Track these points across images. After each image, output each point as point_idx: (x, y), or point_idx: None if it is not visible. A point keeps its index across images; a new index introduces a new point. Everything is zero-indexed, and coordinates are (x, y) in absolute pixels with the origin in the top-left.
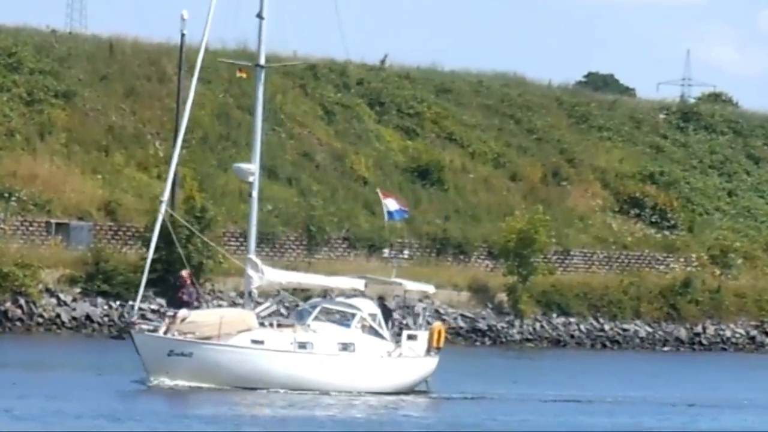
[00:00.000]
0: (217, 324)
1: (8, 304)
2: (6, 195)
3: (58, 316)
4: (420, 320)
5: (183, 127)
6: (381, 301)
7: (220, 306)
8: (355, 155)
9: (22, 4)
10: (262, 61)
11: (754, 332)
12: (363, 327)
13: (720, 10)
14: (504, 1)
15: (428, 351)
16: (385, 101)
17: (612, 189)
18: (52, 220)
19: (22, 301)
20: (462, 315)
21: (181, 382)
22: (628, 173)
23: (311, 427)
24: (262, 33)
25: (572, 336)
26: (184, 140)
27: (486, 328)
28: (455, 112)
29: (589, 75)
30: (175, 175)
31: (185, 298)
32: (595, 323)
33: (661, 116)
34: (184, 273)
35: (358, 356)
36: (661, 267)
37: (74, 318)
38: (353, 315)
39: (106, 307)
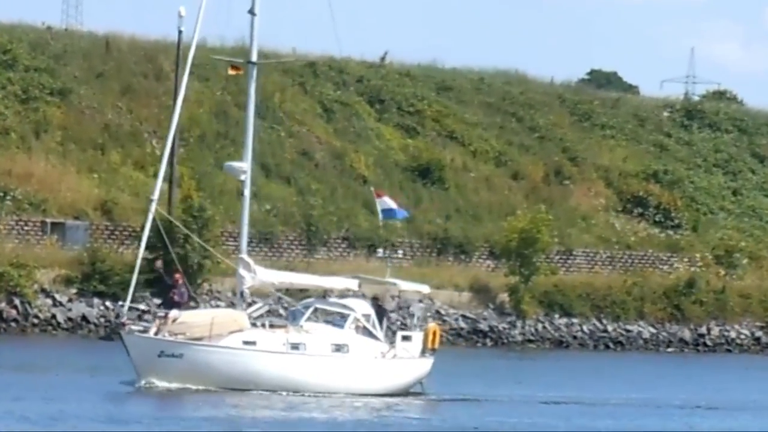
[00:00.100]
0: (208, 325)
1: (3, 305)
2: (1, 194)
3: (54, 316)
4: (415, 321)
5: (174, 125)
6: (375, 301)
7: (218, 306)
8: (354, 154)
9: (18, 1)
10: (254, 58)
11: (759, 333)
12: (357, 328)
13: (724, 7)
14: None
15: (423, 352)
16: (385, 99)
17: (615, 188)
18: (48, 220)
19: (17, 302)
20: (463, 316)
21: (172, 384)
22: (632, 172)
23: (304, 429)
24: (254, 29)
25: (575, 337)
26: (181, 139)
27: (487, 329)
28: (456, 110)
29: (592, 72)
30: (172, 174)
31: (176, 298)
32: (598, 324)
33: (665, 114)
34: (177, 275)
35: (352, 357)
36: (665, 267)
37: (70, 319)
38: (347, 315)
39: (102, 307)
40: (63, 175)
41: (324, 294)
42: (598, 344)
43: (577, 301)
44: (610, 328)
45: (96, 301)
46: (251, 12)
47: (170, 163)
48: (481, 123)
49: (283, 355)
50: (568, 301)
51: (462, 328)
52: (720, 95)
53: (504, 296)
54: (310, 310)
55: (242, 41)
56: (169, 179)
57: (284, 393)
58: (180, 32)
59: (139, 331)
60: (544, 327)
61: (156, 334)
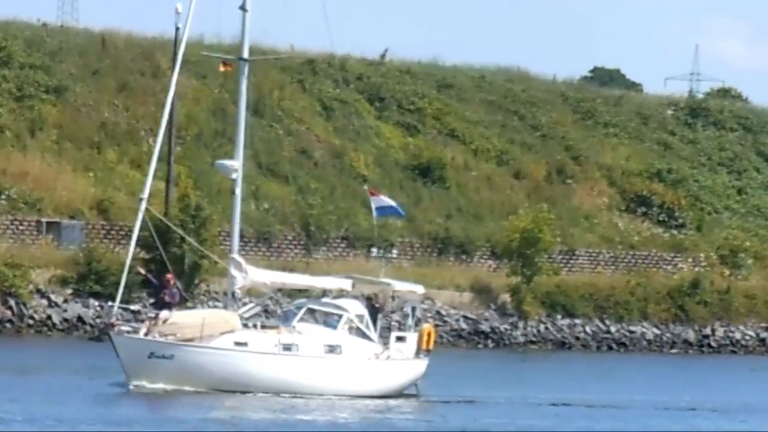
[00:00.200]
0: (199, 325)
1: None
2: None
3: (49, 317)
4: (409, 321)
5: (164, 124)
6: (369, 301)
7: (215, 307)
8: (354, 152)
9: None
10: (246, 54)
11: (764, 334)
12: (350, 328)
13: (729, 3)
14: None
15: (417, 353)
16: (385, 97)
17: (618, 187)
18: (43, 219)
19: (12, 303)
20: (464, 316)
21: (162, 386)
22: (635, 171)
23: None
24: (246, 26)
25: (577, 338)
26: (178, 137)
27: (489, 330)
28: (457, 107)
29: (595, 70)
30: (169, 172)
31: (167, 298)
32: (601, 325)
33: (669, 112)
34: (168, 275)
35: (345, 359)
36: (669, 267)
37: (65, 319)
38: (340, 316)
39: (98, 308)
40: (58, 173)
41: (324, 293)
42: (601, 345)
43: (580, 301)
44: (613, 329)
45: (92, 301)
46: (242, 8)
47: (167, 162)
48: (482, 121)
49: (275, 356)
50: (571, 301)
51: (463, 329)
52: (724, 93)
53: (506, 297)
54: (303, 310)
55: (239, 38)
56: (166, 178)
57: (276, 395)
58: (177, 29)
59: (129, 332)
60: (547, 328)
61: (146, 334)
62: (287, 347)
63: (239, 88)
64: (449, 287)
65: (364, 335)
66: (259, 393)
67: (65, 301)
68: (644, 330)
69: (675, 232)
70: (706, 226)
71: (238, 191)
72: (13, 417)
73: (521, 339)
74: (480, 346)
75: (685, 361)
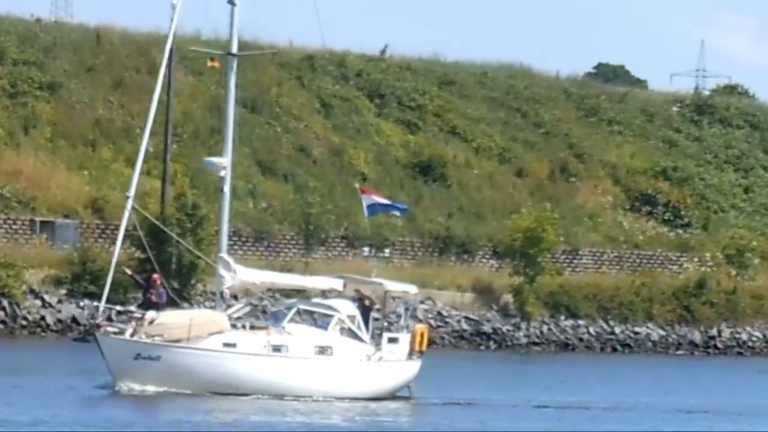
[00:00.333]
0: (186, 326)
1: None
2: None
3: (43, 318)
4: (402, 322)
5: (150, 121)
6: (361, 301)
7: (212, 308)
8: (353, 150)
9: None
10: (234, 50)
11: None
12: (341, 329)
13: None
14: None
15: (410, 354)
16: (386, 93)
17: (623, 185)
18: (37, 218)
19: (5, 303)
20: (466, 317)
21: (149, 388)
22: (640, 169)
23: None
24: (234, 20)
25: (581, 339)
26: (174, 134)
27: (491, 331)
28: (459, 104)
29: (599, 66)
30: (165, 171)
31: (154, 298)
32: (605, 326)
33: (674, 109)
34: (155, 275)
35: (336, 360)
36: (675, 267)
37: (60, 320)
38: (331, 317)
39: (99, 309)
40: (52, 172)
41: (323, 294)
42: (605, 347)
43: (584, 302)
44: (617, 330)
45: (86, 302)
46: (230, 2)
47: (163, 160)
48: (484, 118)
49: (264, 357)
50: (574, 302)
51: (465, 331)
52: (731, 89)
53: (508, 297)
54: (293, 311)
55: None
56: (162, 176)
57: (266, 397)
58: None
59: (115, 333)
60: (550, 329)
61: (132, 335)
62: (277, 348)
63: (228, 83)
64: (450, 288)
65: (355, 336)
66: (248, 395)
67: (59, 301)
68: (649, 331)
69: (680, 231)
70: (712, 225)
71: (226, 189)
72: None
73: (524, 340)
74: (482, 347)
75: (690, 362)
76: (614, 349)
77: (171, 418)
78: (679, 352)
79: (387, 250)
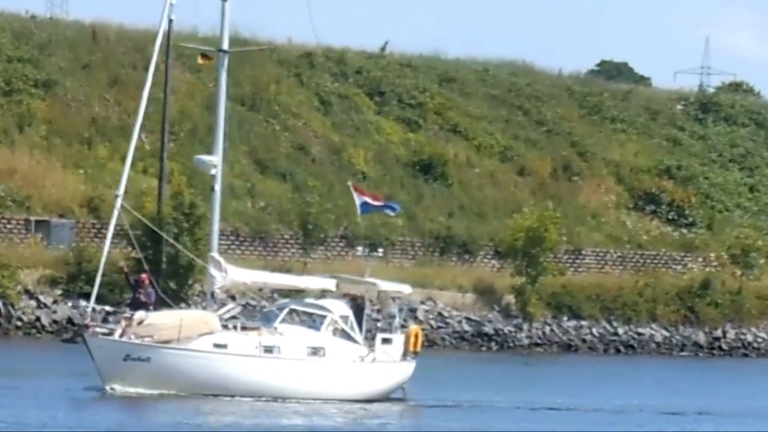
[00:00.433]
0: (176, 327)
1: None
2: None
3: (38, 319)
4: (396, 322)
5: (140, 119)
6: (354, 301)
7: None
8: (353, 148)
9: None
10: (225, 46)
11: None
12: (334, 330)
13: None
14: None
15: (404, 355)
16: (386, 91)
17: (626, 184)
18: (32, 218)
19: None
20: (467, 318)
21: (138, 389)
22: (644, 167)
23: None
24: (225, 16)
25: (584, 340)
26: (171, 132)
27: (492, 332)
28: (460, 102)
29: (602, 63)
30: (162, 169)
31: (142, 298)
32: (608, 327)
33: (679, 107)
34: (144, 275)
35: (329, 361)
36: (679, 267)
37: (55, 321)
38: (323, 317)
39: (88, 309)
40: (48, 170)
41: (323, 294)
42: (609, 348)
43: (587, 302)
44: (621, 331)
45: (82, 303)
46: None
47: (160, 159)
48: (485, 116)
49: (255, 358)
50: (577, 302)
51: (466, 331)
52: (736, 87)
53: (510, 298)
54: (285, 311)
55: (233, 29)
56: (159, 175)
57: (257, 398)
58: (170, 21)
59: (104, 334)
60: (552, 330)
61: (121, 336)
62: (269, 349)
63: (219, 80)
64: (451, 288)
65: (348, 337)
66: (239, 397)
67: (55, 302)
68: (653, 332)
69: (685, 230)
70: (716, 225)
71: (217, 187)
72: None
73: (526, 341)
74: (483, 348)
75: (695, 364)
76: (617, 351)
77: (161, 420)
78: (684, 354)
79: (381, 250)
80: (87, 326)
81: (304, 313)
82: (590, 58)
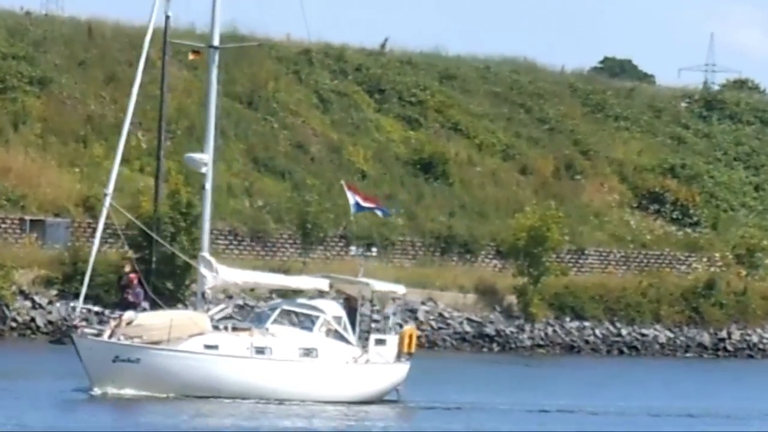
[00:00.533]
0: (166, 327)
1: None
2: None
3: (33, 320)
4: (390, 323)
5: (129, 117)
6: (347, 302)
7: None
8: (352, 147)
9: None
10: (216, 42)
11: None
12: (327, 331)
13: None
14: None
15: (398, 357)
16: (386, 88)
17: (630, 183)
18: (27, 217)
19: None
20: (468, 319)
21: (128, 391)
22: (647, 166)
23: None
24: (216, 11)
25: (587, 341)
26: (168, 131)
27: (494, 333)
28: (461, 100)
29: (605, 60)
30: (159, 168)
31: (131, 298)
32: (611, 328)
33: (683, 105)
34: (132, 273)
35: (321, 362)
36: (683, 267)
37: (50, 322)
38: (316, 317)
39: (84, 310)
40: (43, 169)
41: (321, 294)
42: (612, 349)
43: (590, 303)
44: (624, 332)
45: (74, 303)
46: None
47: (156, 157)
48: (487, 114)
49: (247, 360)
50: (580, 303)
51: (467, 332)
52: (741, 84)
53: (511, 298)
54: (277, 311)
55: (233, 26)
56: (156, 174)
57: (248, 400)
58: (167, 17)
59: (93, 335)
60: (555, 331)
61: (110, 337)
62: (260, 350)
63: (209, 76)
64: (452, 288)
65: (341, 338)
66: (230, 398)
67: (50, 302)
68: (657, 333)
69: (689, 230)
70: (721, 224)
71: (208, 186)
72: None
73: (528, 342)
74: (485, 349)
75: (699, 365)
76: (621, 352)
77: (150, 422)
78: (688, 355)
79: (375, 249)
80: (75, 327)
81: (297, 313)
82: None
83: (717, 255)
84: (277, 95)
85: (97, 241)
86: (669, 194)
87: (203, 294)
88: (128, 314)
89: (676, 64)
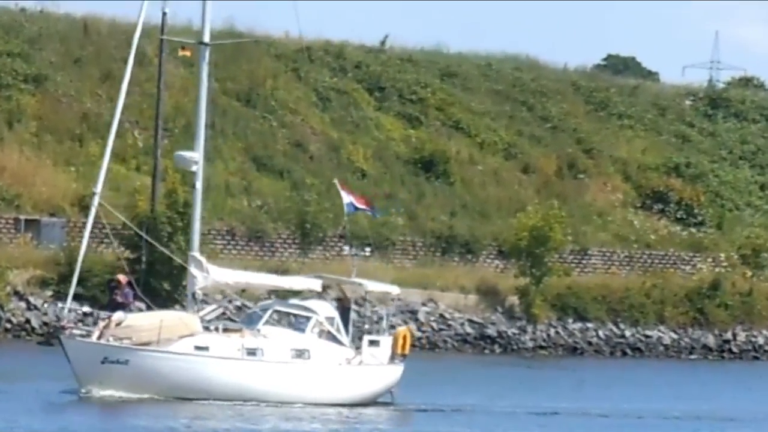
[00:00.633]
0: (156, 328)
1: None
2: None
3: (28, 321)
4: (383, 324)
5: (118, 114)
6: (340, 302)
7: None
8: (352, 145)
9: None
10: (207, 38)
11: None
12: (319, 332)
13: None
14: None
15: (392, 358)
16: (386, 86)
17: (634, 182)
18: (22, 217)
19: None
20: (469, 320)
21: (117, 393)
22: (651, 165)
23: None
24: (206, 7)
25: (590, 343)
26: (164, 129)
27: (496, 334)
28: (462, 98)
29: (609, 58)
30: (156, 167)
31: (119, 299)
32: (614, 329)
33: (687, 103)
34: (121, 276)
35: (314, 364)
36: (688, 267)
37: (45, 324)
38: (308, 318)
39: (80, 311)
40: (38, 168)
41: (319, 294)
42: (615, 351)
43: (593, 304)
44: (628, 333)
45: (73, 304)
46: None
47: (153, 156)
48: (488, 112)
49: (238, 361)
50: (583, 304)
51: (468, 334)
52: (746, 82)
53: (513, 299)
54: (269, 312)
55: (231, 23)
56: (153, 173)
57: (240, 403)
58: (164, 14)
59: (81, 336)
60: (557, 332)
61: (99, 338)
62: (251, 352)
63: (200, 73)
64: (453, 289)
65: (334, 339)
66: (220, 401)
67: (45, 303)
68: (661, 334)
69: (694, 230)
70: (726, 224)
71: (198, 185)
72: None
73: (530, 344)
74: (486, 351)
75: (704, 367)
76: (624, 354)
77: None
78: (692, 357)
79: (368, 249)
80: (63, 328)
81: (289, 314)
82: (596, 53)
83: (722, 255)
84: (275, 93)
85: (85, 241)
86: (673, 193)
87: (193, 294)
88: (117, 315)
89: (680, 61)
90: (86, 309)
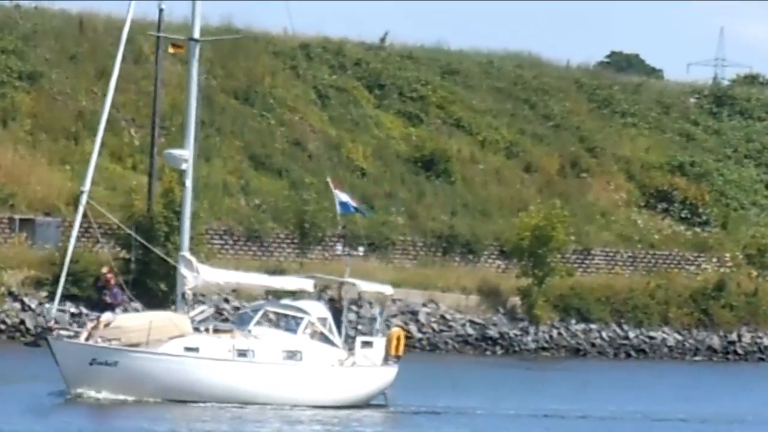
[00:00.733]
0: (145, 329)
1: None
2: None
3: (23, 322)
4: (377, 325)
5: (105, 112)
6: (332, 303)
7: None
8: (352, 144)
9: None
10: (197, 35)
11: None
12: (312, 333)
13: None
14: None
15: (386, 359)
16: (386, 84)
17: (637, 181)
18: (16, 216)
19: None
20: (471, 321)
21: (105, 395)
22: (655, 164)
23: None
24: (196, 3)
25: (593, 344)
26: (162, 127)
27: (497, 335)
28: (463, 95)
29: (612, 55)
30: (153, 166)
31: (108, 299)
32: (618, 330)
33: (692, 100)
34: (108, 273)
35: (306, 365)
36: (692, 268)
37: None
38: (300, 319)
39: (75, 312)
40: (33, 167)
41: (320, 295)
42: (619, 352)
43: (596, 305)
44: (631, 334)
45: (68, 305)
46: None
47: (150, 154)
48: (490, 110)
49: (229, 362)
50: (586, 305)
51: (470, 335)
52: (752, 79)
53: (515, 300)
54: (260, 313)
55: (228, 20)
56: (149, 172)
57: (230, 404)
58: (161, 11)
59: (69, 337)
60: (560, 333)
61: (87, 339)
62: (242, 353)
63: (189, 70)
64: (454, 289)
65: (327, 340)
66: (211, 403)
67: (40, 304)
68: (665, 336)
69: (698, 229)
70: (731, 224)
71: (188, 183)
72: None
73: (532, 345)
74: (488, 352)
75: (709, 369)
76: (628, 355)
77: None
78: (697, 358)
79: (361, 248)
80: (51, 329)
81: (280, 314)
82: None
83: (727, 255)
84: (274, 91)
85: (72, 240)
86: (677, 193)
87: (183, 294)
88: (106, 316)
89: (684, 58)
90: (73, 309)
